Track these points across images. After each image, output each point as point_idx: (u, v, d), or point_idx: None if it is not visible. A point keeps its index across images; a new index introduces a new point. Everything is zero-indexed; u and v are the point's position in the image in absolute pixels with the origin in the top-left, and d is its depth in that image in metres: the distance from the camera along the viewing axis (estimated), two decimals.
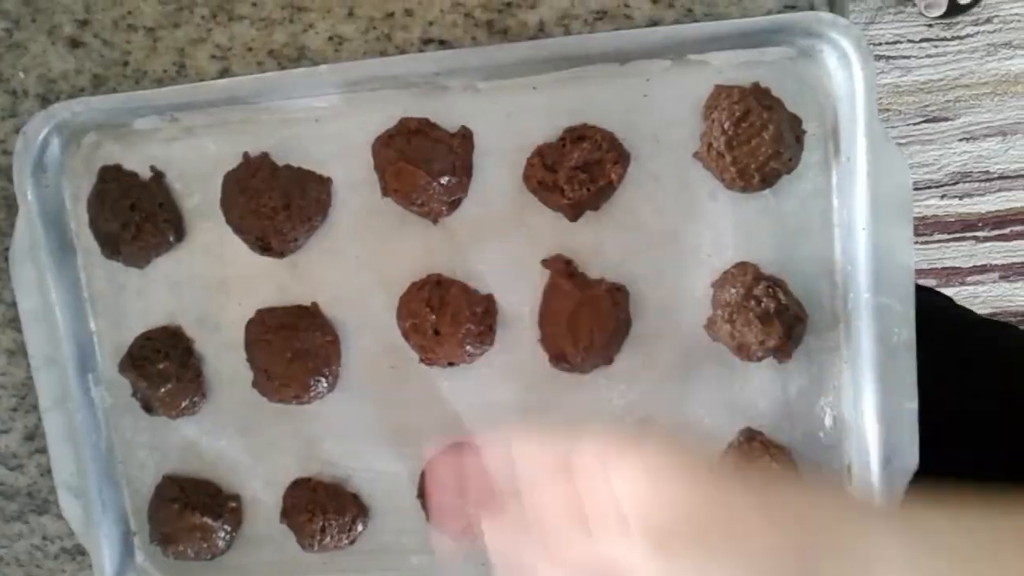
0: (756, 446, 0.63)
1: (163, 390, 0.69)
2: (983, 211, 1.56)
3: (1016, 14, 1.51)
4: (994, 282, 1.57)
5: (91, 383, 0.71)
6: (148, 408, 0.70)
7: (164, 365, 0.68)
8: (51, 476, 0.72)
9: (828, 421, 0.64)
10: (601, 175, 0.62)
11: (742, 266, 0.63)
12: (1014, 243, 1.56)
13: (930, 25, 1.53)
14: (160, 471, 0.72)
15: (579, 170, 0.62)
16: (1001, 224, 1.56)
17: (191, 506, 0.70)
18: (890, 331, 0.61)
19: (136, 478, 0.72)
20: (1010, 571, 0.37)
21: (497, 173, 0.65)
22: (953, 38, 1.53)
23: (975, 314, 0.89)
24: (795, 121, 0.61)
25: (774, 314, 0.61)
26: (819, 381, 0.64)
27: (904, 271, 0.60)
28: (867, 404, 0.62)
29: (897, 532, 0.40)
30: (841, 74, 0.60)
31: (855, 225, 0.61)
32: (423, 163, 0.62)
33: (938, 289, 1.55)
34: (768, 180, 0.61)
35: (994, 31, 1.52)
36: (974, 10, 1.50)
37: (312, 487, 0.69)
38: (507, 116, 0.64)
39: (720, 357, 0.64)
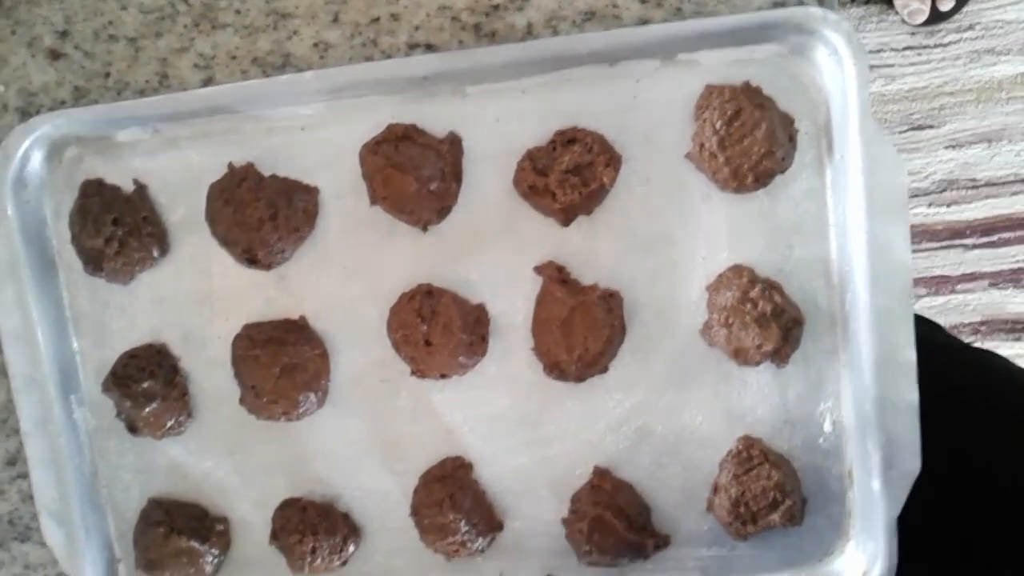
0: (755, 453, 0.62)
1: (148, 409, 0.67)
2: (971, 218, 1.56)
3: (997, 20, 1.52)
4: (984, 290, 1.57)
5: (74, 404, 0.69)
6: (132, 428, 0.68)
7: (149, 384, 0.66)
8: (33, 502, 0.70)
9: (828, 426, 0.63)
10: (592, 178, 0.61)
11: (737, 269, 0.62)
12: (1002, 250, 1.56)
13: (913, 33, 1.54)
14: (145, 494, 0.70)
15: (570, 173, 0.61)
16: (989, 231, 1.56)
17: (177, 530, 0.67)
18: (888, 332, 0.60)
19: (121, 502, 0.70)
20: None
21: (487, 178, 0.64)
22: (936, 45, 1.54)
23: (961, 341, 0.88)
24: (787, 120, 0.61)
25: (771, 317, 0.60)
26: (818, 386, 0.63)
27: (901, 269, 0.59)
28: (867, 408, 0.61)
29: None
30: (833, 70, 0.59)
31: (850, 224, 0.60)
32: (412, 169, 0.61)
33: (928, 298, 1.56)
34: (761, 180, 0.60)
35: (976, 38, 1.53)
36: (956, 17, 1.51)
37: (302, 507, 0.67)
38: (496, 120, 0.63)
39: (717, 362, 0.63)
